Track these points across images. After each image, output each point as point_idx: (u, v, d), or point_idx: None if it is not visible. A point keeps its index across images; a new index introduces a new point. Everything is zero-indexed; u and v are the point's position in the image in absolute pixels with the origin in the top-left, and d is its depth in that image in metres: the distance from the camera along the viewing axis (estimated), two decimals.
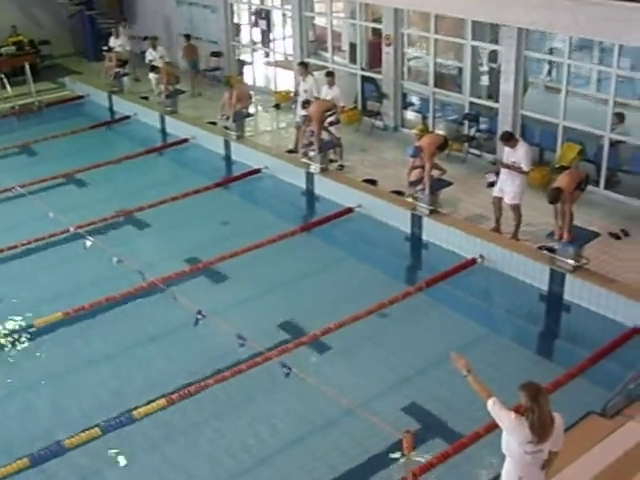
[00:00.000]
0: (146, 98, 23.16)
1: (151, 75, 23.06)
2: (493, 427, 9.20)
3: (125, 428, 10.15)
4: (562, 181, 12.37)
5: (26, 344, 12.36)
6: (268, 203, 17.33)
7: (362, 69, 20.62)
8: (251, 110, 21.02)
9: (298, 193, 17.21)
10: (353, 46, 21.40)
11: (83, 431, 9.96)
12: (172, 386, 10.81)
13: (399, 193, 15.57)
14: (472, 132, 17.93)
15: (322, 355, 11.67)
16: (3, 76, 24.66)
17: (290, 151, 18.47)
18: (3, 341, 12.36)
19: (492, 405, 7.22)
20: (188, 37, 24.29)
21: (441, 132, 18.50)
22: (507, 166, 13.67)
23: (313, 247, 14.80)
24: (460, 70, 18.43)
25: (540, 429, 6.91)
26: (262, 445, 10.00)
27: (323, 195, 16.72)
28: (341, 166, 17.55)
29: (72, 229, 14.82)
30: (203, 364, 11.41)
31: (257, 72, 25.43)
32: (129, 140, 21.09)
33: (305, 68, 18.85)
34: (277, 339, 11.78)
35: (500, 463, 7.59)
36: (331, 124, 17.48)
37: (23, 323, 12.76)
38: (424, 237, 14.79)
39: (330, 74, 18.23)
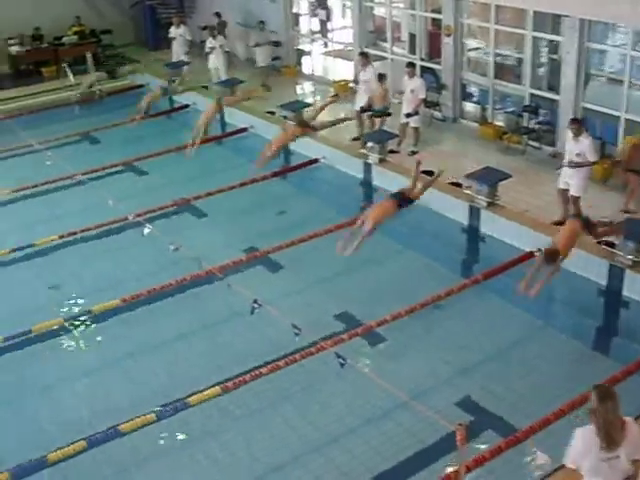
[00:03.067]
0: (205, 87, 23.30)
1: (210, 64, 23.25)
2: (547, 423, 9.21)
3: (180, 414, 10.26)
4: (559, 241, 11.50)
5: (84, 330, 12.56)
6: (325, 193, 17.33)
7: (421, 59, 20.49)
8: (309, 100, 21.05)
9: (356, 183, 17.20)
10: (412, 36, 21.26)
11: (138, 416, 10.09)
12: (227, 374, 10.87)
13: (457, 185, 15.46)
14: (531, 124, 17.72)
15: (377, 347, 11.67)
16: (66, 65, 25.06)
17: (355, 139, 18.50)
18: (61, 326, 12.55)
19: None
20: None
21: (500, 123, 18.37)
22: (577, 165, 13.50)
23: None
24: (520, 61, 18.22)
25: (606, 433, 6.72)
26: (316, 434, 10.06)
27: (380, 185, 16.67)
28: (413, 152, 17.58)
29: (131, 217, 14.98)
30: (257, 353, 11.45)
31: (315, 62, 25.44)
32: (188, 129, 21.17)
33: (366, 58, 18.86)
34: (332, 329, 11.78)
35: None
36: (409, 115, 17.50)
37: (81, 309, 12.97)
38: (481, 229, 14.70)
39: (411, 65, 18.19)
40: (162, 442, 10.10)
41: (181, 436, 10.18)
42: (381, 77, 18.47)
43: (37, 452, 9.71)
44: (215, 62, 23.46)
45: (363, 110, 18.56)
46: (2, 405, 11.06)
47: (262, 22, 23.91)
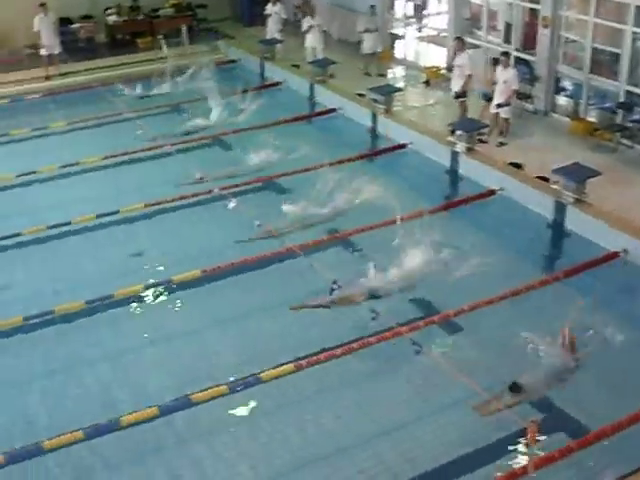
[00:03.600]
0: (297, 66, 23.37)
1: (308, 43, 23.25)
2: (619, 427, 9.08)
3: (252, 389, 10.42)
4: None
5: (164, 299, 12.79)
6: (410, 179, 17.23)
7: (516, 50, 20.20)
8: (400, 85, 20.99)
9: (441, 171, 17.10)
10: (508, 26, 20.96)
11: (210, 388, 10.27)
12: (301, 352, 10.97)
13: (544, 179, 15.25)
14: (625, 122, 17.33)
15: (452, 336, 11.59)
16: (161, 37, 25.41)
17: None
18: (142, 294, 12.80)
19: None
20: None
21: (592, 119, 18.03)
22: None
23: (452, 227, 14.65)
24: (617, 56, 17.82)
25: None
26: (384, 418, 10.04)
27: (467, 175, 16.57)
28: (501, 143, 17.42)
29: (216, 190, 15.16)
30: (333, 333, 11.51)
31: (408, 46, 25.29)
32: (278, 106, 21.31)
33: (462, 43, 18.72)
34: (408, 316, 11.76)
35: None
36: (499, 106, 17.34)
37: (162, 278, 13.18)
38: (566, 226, 14.49)
39: (505, 55, 17.97)
40: (230, 415, 10.21)
41: (249, 410, 10.29)
42: (496, 61, 18.27)
43: (108, 414, 10.03)
44: (312, 41, 23.40)
45: (457, 96, 18.39)
46: (81, 366, 11.35)
47: (373, 6, 23.07)
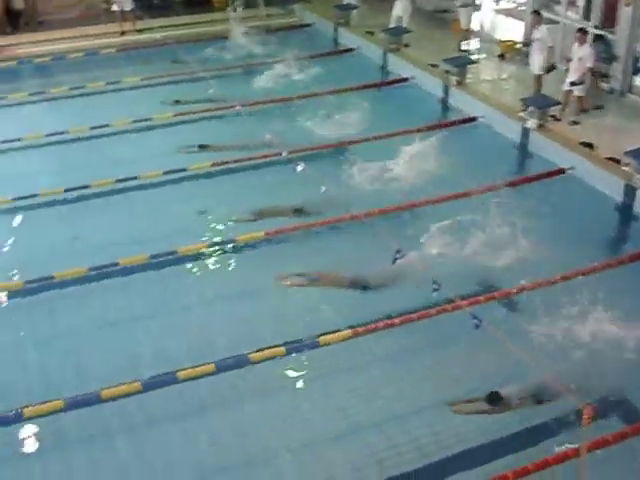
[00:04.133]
0: (371, 33, 23.24)
1: (395, 11, 22.99)
2: None
3: (308, 352, 10.55)
4: None
5: (226, 257, 12.92)
6: (479, 153, 17.02)
7: (595, 27, 19.82)
8: (473, 57, 20.76)
9: (511, 147, 16.92)
10: (588, 2, 20.55)
11: (268, 348, 10.40)
12: (358, 318, 11.02)
13: (615, 161, 15.01)
14: None
15: (512, 312, 11.53)
16: None
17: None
18: (204, 252, 12.96)
19: None
20: None
21: None
22: None
23: (517, 204, 14.50)
24: None
25: None
26: (437, 391, 10.03)
27: (536, 152, 16.39)
28: (574, 122, 17.16)
29: (284, 153, 15.21)
30: (392, 302, 11.52)
31: (484, 18, 24.92)
32: (349, 72, 21.25)
33: (539, 16, 18.46)
34: (470, 289, 11.70)
35: None
36: (573, 84, 17.08)
37: (225, 237, 13.33)
38: (635, 209, 14.28)
39: (582, 31, 17.65)
40: (285, 376, 10.35)
41: (302, 374, 10.41)
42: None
43: (166, 367, 10.22)
44: (400, 10, 22.92)
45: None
46: (138, 319, 11.62)
47: None
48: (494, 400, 9.67)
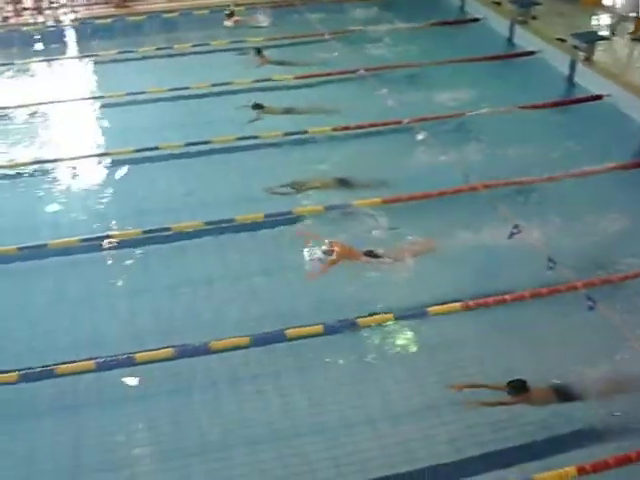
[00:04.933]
0: (498, 4, 22.82)
1: None
2: None
3: (417, 320, 10.59)
4: None
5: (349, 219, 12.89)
6: (602, 132, 16.57)
7: None
8: (604, 33, 20.18)
9: (637, 128, 16.43)
10: None
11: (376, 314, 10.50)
12: (469, 292, 10.97)
13: None
14: None
15: (627, 298, 11.14)
16: None
17: None
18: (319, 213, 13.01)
19: None
20: None
21: None
22: None
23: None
24: None
25: None
26: (539, 369, 9.76)
27: None
28: None
29: (405, 121, 15.16)
30: (504, 278, 11.38)
31: None
32: (473, 43, 20.94)
33: None
34: (585, 271, 11.39)
35: None
36: None
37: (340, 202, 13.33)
38: None
39: None
40: (389, 345, 10.37)
41: (406, 343, 10.44)
42: None
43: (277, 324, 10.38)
44: None
45: None
46: (191, 283, 11.70)
47: None
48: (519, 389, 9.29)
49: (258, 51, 19.58)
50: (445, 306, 10.71)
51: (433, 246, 11.91)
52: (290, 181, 13.92)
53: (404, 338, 10.44)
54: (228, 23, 21.25)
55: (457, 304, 10.70)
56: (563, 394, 9.24)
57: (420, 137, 14.17)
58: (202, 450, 8.87)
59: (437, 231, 12.51)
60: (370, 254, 11.56)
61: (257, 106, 16.66)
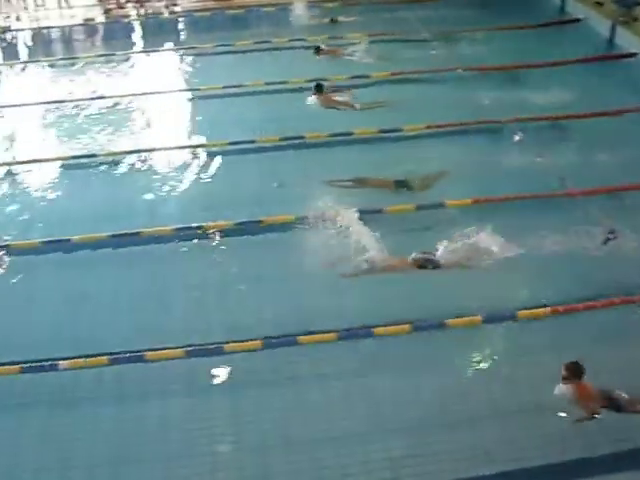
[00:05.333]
0: (600, 4, 22.37)
1: None
2: None
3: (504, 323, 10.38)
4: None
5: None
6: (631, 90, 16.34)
7: None
8: None
9: None
10: None
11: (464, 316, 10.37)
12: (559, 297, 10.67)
13: None
14: None
15: None
16: None
17: None
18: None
19: None
20: None
21: None
22: None
23: None
24: None
25: None
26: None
27: None
28: None
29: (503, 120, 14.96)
30: (587, 284, 11.00)
31: None
32: (573, 44, 20.64)
33: None
34: None
35: None
36: None
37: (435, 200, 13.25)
38: None
39: None
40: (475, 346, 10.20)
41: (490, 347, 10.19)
42: None
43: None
44: None
45: None
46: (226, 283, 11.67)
47: None
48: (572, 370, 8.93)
49: None
50: (533, 311, 10.45)
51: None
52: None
53: (488, 343, 10.21)
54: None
55: (546, 309, 10.41)
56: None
57: (517, 138, 13.97)
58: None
59: (527, 233, 12.16)
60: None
61: (318, 87, 16.86)
